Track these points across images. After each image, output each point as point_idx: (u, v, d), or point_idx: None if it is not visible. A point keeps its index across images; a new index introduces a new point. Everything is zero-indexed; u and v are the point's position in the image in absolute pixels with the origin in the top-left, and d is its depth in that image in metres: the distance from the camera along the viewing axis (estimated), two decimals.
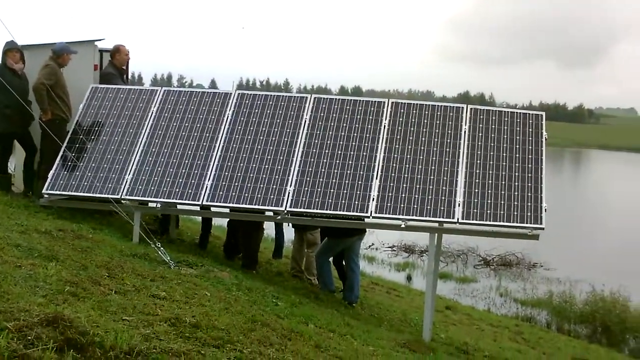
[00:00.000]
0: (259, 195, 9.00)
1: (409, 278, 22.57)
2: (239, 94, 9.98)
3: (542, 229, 8.62)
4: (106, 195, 9.32)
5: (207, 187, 9.18)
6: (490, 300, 20.80)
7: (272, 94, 10.02)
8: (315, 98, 9.74)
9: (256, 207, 9.02)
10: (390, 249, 26.68)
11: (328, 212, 8.87)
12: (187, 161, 9.42)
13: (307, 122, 9.48)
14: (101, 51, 11.51)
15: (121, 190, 9.38)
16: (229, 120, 9.69)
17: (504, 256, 25.91)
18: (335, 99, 9.77)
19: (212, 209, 10.26)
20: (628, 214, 45.48)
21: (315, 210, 8.90)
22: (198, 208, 10.24)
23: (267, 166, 9.19)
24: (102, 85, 10.63)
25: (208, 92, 10.15)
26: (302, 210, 8.94)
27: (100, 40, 11.49)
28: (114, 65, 11.36)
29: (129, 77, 12.35)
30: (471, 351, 9.53)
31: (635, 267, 27.24)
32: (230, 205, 9.17)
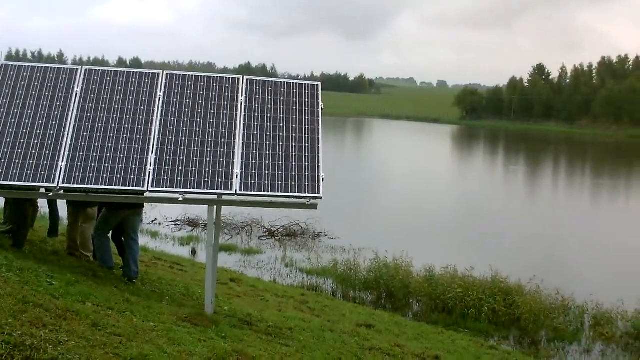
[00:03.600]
0: (29, 172, 8.52)
1: (193, 252, 22.64)
2: (3, 64, 9.43)
3: (320, 198, 8.81)
4: None
5: None
6: (276, 271, 21.23)
7: (41, 65, 9.50)
8: (86, 70, 9.38)
9: (26, 183, 8.57)
10: (173, 223, 26.63)
11: (103, 187, 8.60)
12: None
13: (78, 95, 9.09)
14: None
15: None
16: None
17: (288, 227, 26.57)
18: (108, 70, 9.44)
19: None
20: (407, 181, 48.02)
21: (89, 186, 8.58)
22: None
23: (36, 141, 8.71)
24: None
25: None
26: (75, 185, 8.59)
27: None
28: None
29: None
30: (255, 322, 9.65)
31: (415, 230, 28.84)
32: None
